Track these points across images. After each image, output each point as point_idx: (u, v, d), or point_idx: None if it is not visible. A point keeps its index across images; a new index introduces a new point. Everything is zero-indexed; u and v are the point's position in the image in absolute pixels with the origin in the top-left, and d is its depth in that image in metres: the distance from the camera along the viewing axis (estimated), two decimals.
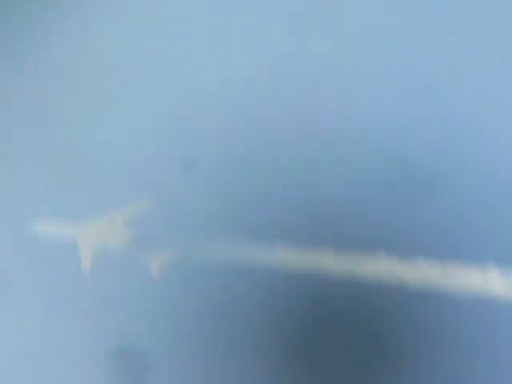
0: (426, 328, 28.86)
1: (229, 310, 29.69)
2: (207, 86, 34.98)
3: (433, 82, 34.77)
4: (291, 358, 28.51)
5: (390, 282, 29.14)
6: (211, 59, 36.13)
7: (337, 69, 35.35)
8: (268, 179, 32.24)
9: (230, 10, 36.71)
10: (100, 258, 30.72)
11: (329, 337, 28.68)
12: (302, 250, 29.53)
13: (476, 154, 31.56)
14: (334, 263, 29.02)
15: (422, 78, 34.85)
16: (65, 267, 30.59)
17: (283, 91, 35.15)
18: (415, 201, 30.66)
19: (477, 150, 31.57)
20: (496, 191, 31.64)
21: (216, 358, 29.44)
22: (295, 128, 34.11)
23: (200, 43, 36.56)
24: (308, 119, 34.39)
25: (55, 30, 36.42)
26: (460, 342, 28.77)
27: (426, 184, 31.33)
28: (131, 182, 32.36)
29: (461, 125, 32.28)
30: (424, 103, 34.35)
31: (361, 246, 29.98)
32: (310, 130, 34.13)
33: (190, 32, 36.84)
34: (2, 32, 35.23)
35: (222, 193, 31.88)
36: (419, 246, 30.11)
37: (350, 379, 28.43)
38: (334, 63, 35.34)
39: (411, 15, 35.92)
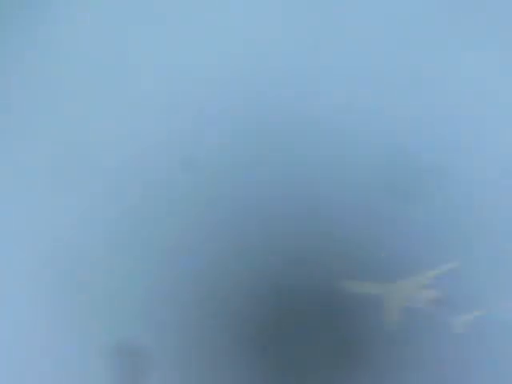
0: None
1: None
2: (207, 85, 34.77)
3: (433, 80, 34.37)
4: None
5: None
6: (211, 59, 35.75)
7: (335, 65, 34.65)
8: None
9: (230, 10, 36.25)
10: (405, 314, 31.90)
11: None
12: None
13: (477, 153, 31.42)
14: None
15: (422, 74, 33.40)
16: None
17: (283, 89, 34.61)
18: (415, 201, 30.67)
19: (477, 149, 31.43)
20: (496, 190, 30.85)
21: None
22: (295, 127, 33.91)
23: (199, 42, 36.10)
24: (308, 118, 33.96)
25: (55, 30, 36.54)
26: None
27: (426, 182, 31.08)
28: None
29: (461, 123, 31.96)
30: (424, 102, 33.28)
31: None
32: (310, 130, 33.79)
33: (187, 30, 36.28)
34: (2, 32, 35.68)
35: None
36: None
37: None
38: (332, 60, 34.72)
39: (415, 10, 34.69)
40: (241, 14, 37.35)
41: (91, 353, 30.89)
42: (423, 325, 31.25)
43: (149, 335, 31.19)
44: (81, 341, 31.17)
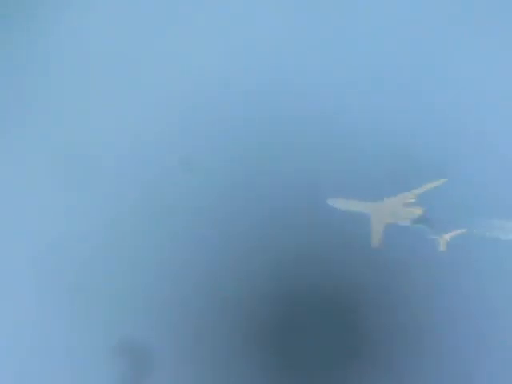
0: None
1: None
2: (207, 85, 34.39)
3: (434, 79, 33.63)
4: None
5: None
6: (211, 58, 35.42)
7: (339, 66, 34.35)
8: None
9: (231, 11, 35.86)
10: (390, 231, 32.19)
11: None
12: None
13: (478, 152, 31.44)
14: None
15: (424, 75, 33.42)
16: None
17: (283, 90, 34.28)
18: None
19: (479, 148, 31.36)
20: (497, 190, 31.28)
21: None
22: (296, 126, 33.65)
23: (201, 44, 35.83)
24: (308, 118, 33.70)
25: (55, 30, 36.18)
26: None
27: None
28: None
29: (462, 122, 32.11)
30: (425, 102, 32.88)
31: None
32: (310, 130, 33.62)
33: (188, 32, 35.99)
34: (1, 31, 35.20)
35: None
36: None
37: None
38: (336, 60, 34.37)
39: (418, 13, 34.91)
40: (241, 15, 37.06)
41: (91, 352, 30.62)
42: (409, 242, 31.16)
43: (149, 335, 30.89)
44: (81, 340, 30.94)
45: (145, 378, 30.05)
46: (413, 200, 31.53)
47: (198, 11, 36.56)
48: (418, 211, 31.14)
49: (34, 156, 35.47)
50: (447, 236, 30.76)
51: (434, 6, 34.30)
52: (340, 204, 31.92)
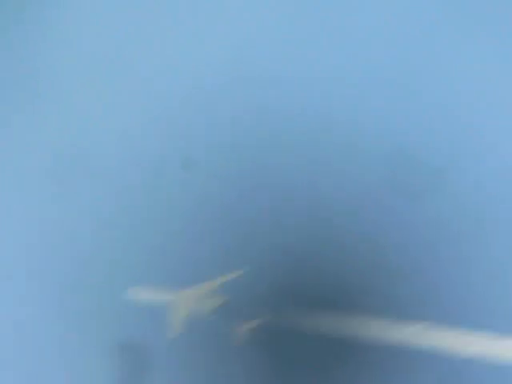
0: None
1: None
2: (206, 85, 34.03)
3: (434, 78, 33.38)
4: None
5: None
6: (211, 57, 35.05)
7: (335, 64, 33.87)
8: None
9: (230, 10, 35.45)
10: (189, 322, 31.54)
11: None
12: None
13: (478, 152, 31.25)
14: None
15: (424, 73, 33.32)
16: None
17: (283, 89, 33.78)
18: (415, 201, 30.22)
19: (479, 148, 31.30)
20: (497, 190, 30.45)
21: None
22: (295, 125, 33.19)
23: (201, 45, 35.49)
24: (308, 117, 33.19)
25: (55, 30, 36.03)
26: None
27: (427, 182, 30.73)
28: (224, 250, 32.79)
29: (462, 122, 32.08)
30: (425, 102, 33.19)
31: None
32: (311, 130, 33.11)
33: (186, 30, 35.69)
34: (4, 32, 35.27)
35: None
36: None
37: None
38: (332, 59, 33.93)
39: (417, 9, 34.33)
40: (241, 16, 36.99)
41: (91, 352, 30.98)
42: (208, 332, 30.25)
43: (149, 334, 31.20)
44: (81, 340, 31.29)
45: (145, 377, 30.38)
46: (212, 290, 30.85)
47: (199, 12, 36.53)
48: (217, 301, 30.82)
49: (34, 156, 35.76)
50: (246, 325, 30.12)
51: (435, 6, 34.04)
52: (141, 295, 31.21)
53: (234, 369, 29.31)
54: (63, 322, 31.28)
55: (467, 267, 30.84)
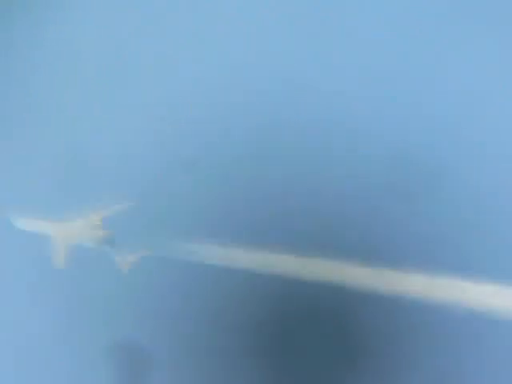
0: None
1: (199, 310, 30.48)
2: (206, 84, 34.22)
3: (434, 77, 33.24)
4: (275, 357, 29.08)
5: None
6: (211, 57, 35.23)
7: (334, 65, 34.09)
8: (259, 175, 32.01)
9: (230, 9, 35.64)
10: (73, 255, 32.20)
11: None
12: (292, 253, 30.22)
13: (479, 151, 31.11)
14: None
15: (424, 73, 33.18)
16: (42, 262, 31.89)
17: (283, 89, 33.90)
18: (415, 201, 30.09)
19: (479, 149, 31.13)
20: (498, 190, 30.37)
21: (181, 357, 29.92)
22: (295, 125, 33.34)
23: (201, 45, 35.62)
24: (308, 116, 33.32)
25: (55, 30, 36.13)
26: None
27: (427, 182, 30.69)
28: (112, 182, 33.14)
29: (462, 122, 31.95)
30: (425, 102, 33.06)
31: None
32: (311, 130, 33.33)
33: (186, 29, 35.79)
34: (5, 33, 35.32)
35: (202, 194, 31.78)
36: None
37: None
38: (331, 60, 34.13)
39: (419, 9, 34.30)
40: (242, 16, 37.05)
41: (91, 352, 31.02)
42: (91, 263, 31.14)
43: (149, 334, 31.21)
44: (81, 340, 31.32)
45: (144, 377, 30.42)
46: (98, 222, 32.12)
47: (199, 13, 36.58)
48: (101, 233, 32.17)
49: (33, 156, 35.81)
50: (131, 257, 31.83)
51: (437, 7, 34.08)
52: (21, 224, 31.95)
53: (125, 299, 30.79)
54: (63, 322, 31.33)
55: (467, 267, 30.90)
